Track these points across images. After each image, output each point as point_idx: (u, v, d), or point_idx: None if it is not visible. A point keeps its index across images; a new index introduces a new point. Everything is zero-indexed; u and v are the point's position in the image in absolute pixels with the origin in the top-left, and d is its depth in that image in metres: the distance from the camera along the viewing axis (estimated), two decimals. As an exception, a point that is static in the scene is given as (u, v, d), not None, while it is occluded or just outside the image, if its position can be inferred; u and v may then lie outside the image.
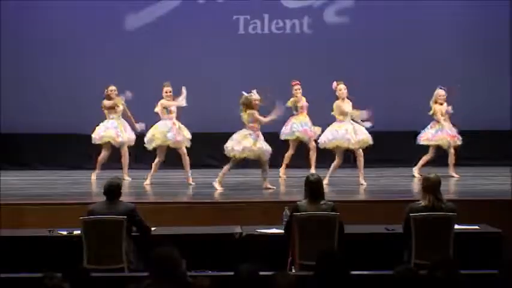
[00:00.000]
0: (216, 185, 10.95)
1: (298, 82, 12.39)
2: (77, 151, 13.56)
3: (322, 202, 7.55)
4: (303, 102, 12.38)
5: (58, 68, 13.89)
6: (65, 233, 8.01)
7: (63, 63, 13.88)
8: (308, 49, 13.93)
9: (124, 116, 12.19)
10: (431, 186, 7.43)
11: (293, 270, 7.38)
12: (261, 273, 4.93)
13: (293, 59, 13.77)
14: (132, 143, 12.20)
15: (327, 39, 13.97)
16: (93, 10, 13.98)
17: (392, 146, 13.30)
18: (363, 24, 14.03)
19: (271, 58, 13.88)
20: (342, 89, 11.25)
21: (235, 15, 14.15)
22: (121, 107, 12.07)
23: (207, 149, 13.66)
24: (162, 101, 11.63)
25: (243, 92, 10.96)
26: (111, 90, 12.10)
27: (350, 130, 11.13)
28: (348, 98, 11.30)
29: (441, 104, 12.17)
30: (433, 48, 13.90)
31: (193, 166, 13.32)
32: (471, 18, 14.00)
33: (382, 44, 13.94)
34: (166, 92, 11.69)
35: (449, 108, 12.16)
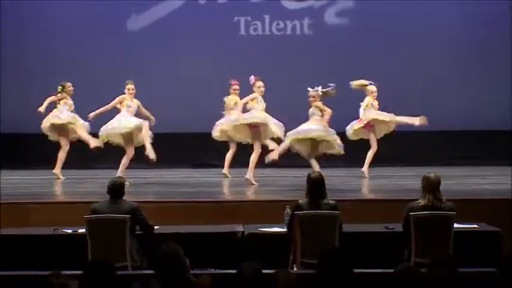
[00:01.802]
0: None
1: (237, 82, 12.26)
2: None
3: (323, 201, 7.57)
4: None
5: (61, 68, 13.90)
6: (69, 231, 8.04)
7: (65, 63, 13.88)
8: (308, 50, 13.95)
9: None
10: (430, 186, 7.45)
11: (294, 269, 7.40)
12: (263, 271, 4.94)
13: (294, 60, 13.80)
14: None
15: (327, 40, 14.00)
16: (96, 10, 14.01)
17: (393, 146, 13.33)
18: (363, 25, 14.06)
19: (272, 59, 13.89)
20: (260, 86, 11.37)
21: (236, 17, 14.18)
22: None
23: (208, 148, 13.68)
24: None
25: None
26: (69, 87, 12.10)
27: None
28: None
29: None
30: (434, 49, 13.93)
31: (194, 165, 13.40)
32: (471, 17, 14.03)
33: (381, 45, 13.97)
34: (129, 90, 11.66)
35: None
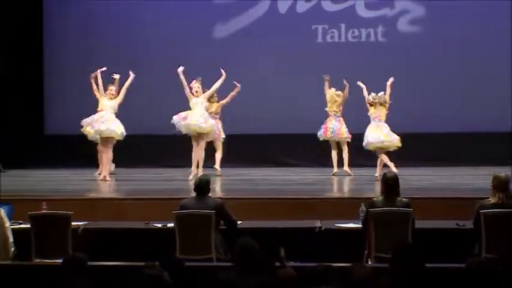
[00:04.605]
0: None
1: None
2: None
3: (397, 199, 7.52)
4: None
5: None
6: (159, 225, 8.15)
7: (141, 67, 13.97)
8: (382, 57, 13.86)
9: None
10: (501, 185, 7.34)
11: (369, 262, 7.36)
12: (339, 265, 4.94)
13: (368, 66, 13.72)
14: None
15: (400, 47, 13.88)
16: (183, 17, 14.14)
17: (467, 146, 13.16)
18: (434, 33, 13.89)
19: (348, 65, 13.82)
20: None
21: (314, 25, 14.16)
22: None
23: (284, 148, 13.72)
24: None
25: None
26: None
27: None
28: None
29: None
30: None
31: (273, 165, 13.41)
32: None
33: (454, 52, 13.77)
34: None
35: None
